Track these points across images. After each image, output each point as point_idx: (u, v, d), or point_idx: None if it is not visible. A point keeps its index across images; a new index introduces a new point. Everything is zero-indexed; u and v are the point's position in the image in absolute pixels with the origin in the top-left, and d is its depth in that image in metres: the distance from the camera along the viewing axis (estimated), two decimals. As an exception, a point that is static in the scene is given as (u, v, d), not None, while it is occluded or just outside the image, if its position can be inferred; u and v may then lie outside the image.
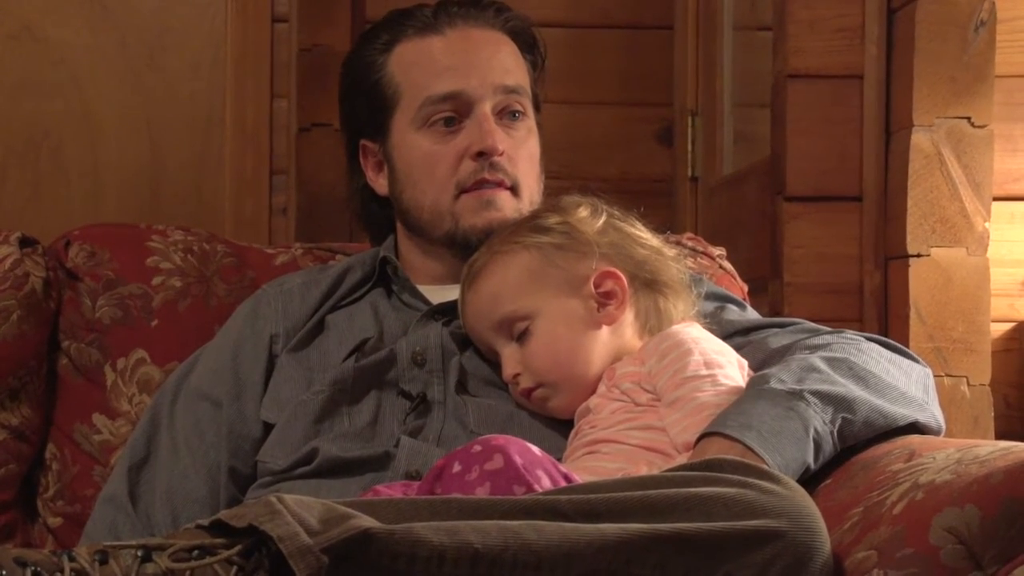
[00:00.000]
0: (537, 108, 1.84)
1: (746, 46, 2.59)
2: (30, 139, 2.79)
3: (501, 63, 1.77)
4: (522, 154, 1.76)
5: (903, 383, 1.56)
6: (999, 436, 1.99)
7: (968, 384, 1.98)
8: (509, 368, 1.63)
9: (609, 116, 2.77)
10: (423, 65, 1.77)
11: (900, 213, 2.01)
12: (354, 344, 1.71)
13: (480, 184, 1.73)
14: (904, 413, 1.52)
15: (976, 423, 1.97)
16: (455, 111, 1.74)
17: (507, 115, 1.75)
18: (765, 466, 1.35)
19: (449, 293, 1.74)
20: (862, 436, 1.49)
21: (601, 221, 1.65)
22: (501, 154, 1.72)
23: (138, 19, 2.80)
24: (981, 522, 1.21)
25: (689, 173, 2.70)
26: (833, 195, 2.09)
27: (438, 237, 1.76)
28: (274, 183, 2.76)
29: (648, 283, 1.65)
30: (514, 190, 1.74)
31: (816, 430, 1.45)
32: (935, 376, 1.77)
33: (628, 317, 1.63)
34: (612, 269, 1.63)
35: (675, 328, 1.58)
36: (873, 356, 1.57)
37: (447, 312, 1.72)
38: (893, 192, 2.06)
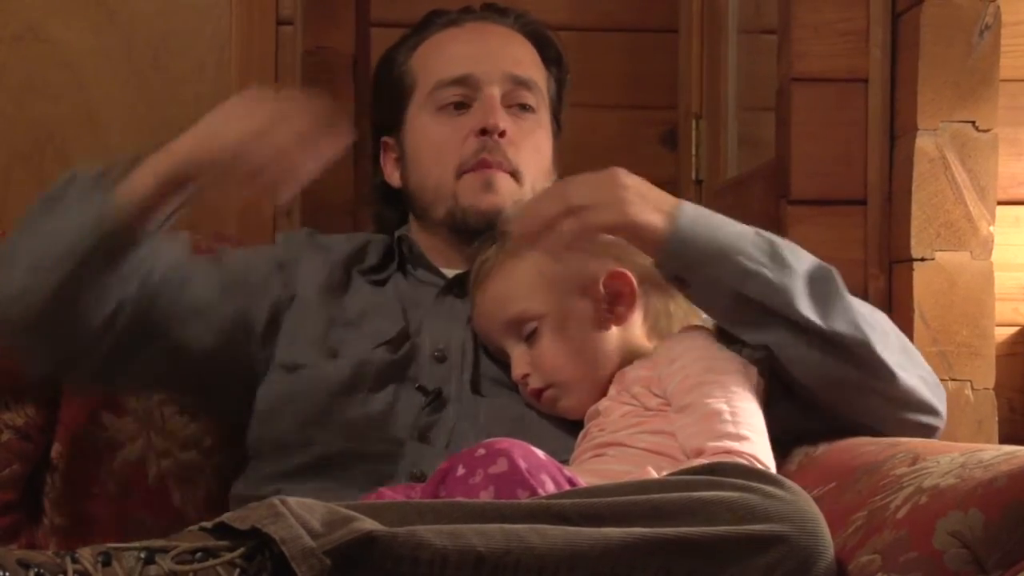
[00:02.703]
0: (557, 121, 1.85)
1: (751, 49, 2.59)
2: (35, 141, 2.79)
3: (513, 54, 1.81)
4: (527, 143, 1.78)
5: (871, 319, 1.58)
6: (1003, 440, 1.99)
7: (972, 388, 1.98)
8: (519, 368, 1.63)
9: (613, 119, 2.77)
10: (438, 53, 1.82)
11: (904, 217, 2.01)
12: (382, 326, 1.72)
13: (481, 164, 1.74)
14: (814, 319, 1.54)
15: (980, 427, 1.97)
16: (464, 96, 1.78)
17: (516, 106, 1.78)
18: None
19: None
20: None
21: None
22: (503, 134, 1.74)
23: (142, 21, 2.80)
24: (985, 526, 1.21)
25: (693, 176, 2.69)
26: (837, 199, 2.09)
27: (441, 218, 1.77)
28: (278, 185, 2.76)
29: (658, 285, 1.65)
30: (515, 176, 1.75)
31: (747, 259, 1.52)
32: (939, 380, 1.77)
33: (637, 318, 1.64)
34: (622, 271, 1.63)
35: (685, 333, 1.58)
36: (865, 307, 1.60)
37: (463, 285, 1.74)
38: (897, 196, 2.05)
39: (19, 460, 1.87)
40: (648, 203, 1.55)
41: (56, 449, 1.90)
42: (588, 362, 1.62)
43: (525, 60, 1.83)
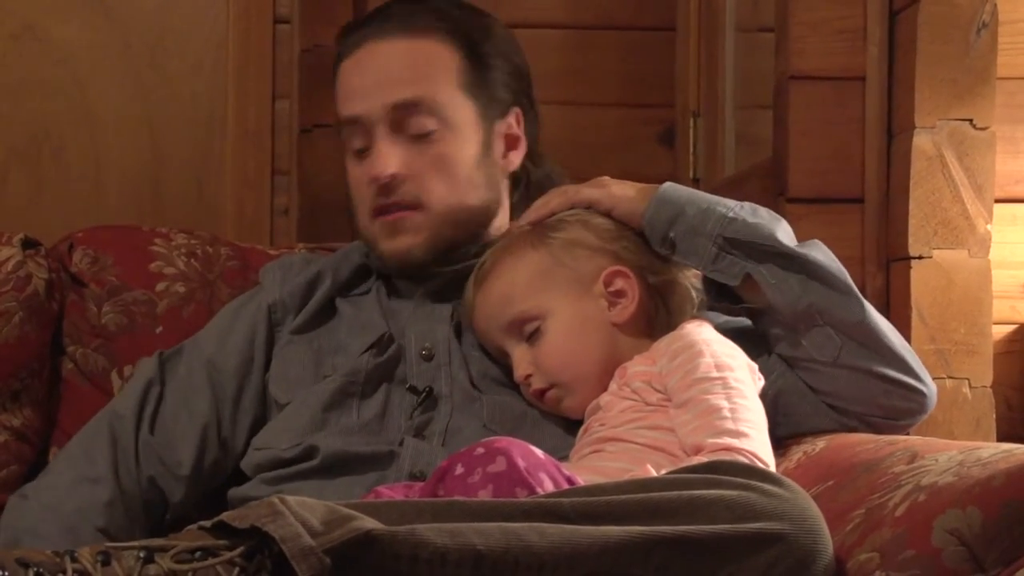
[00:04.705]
0: (498, 98, 1.77)
1: (748, 47, 2.59)
2: (32, 139, 2.79)
3: (395, 76, 1.73)
4: (427, 169, 1.72)
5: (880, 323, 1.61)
6: (1001, 438, 1.99)
7: (970, 386, 1.98)
8: (521, 369, 1.63)
9: (611, 117, 2.77)
10: (337, 91, 1.78)
11: (902, 215, 2.01)
12: (367, 337, 1.72)
13: (380, 211, 1.73)
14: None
15: (978, 425, 1.97)
16: (363, 141, 1.74)
17: (410, 134, 1.72)
18: (756, 466, 1.35)
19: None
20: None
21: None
22: (391, 177, 1.71)
23: (140, 19, 2.80)
24: (983, 524, 1.21)
25: (691, 174, 2.70)
26: (835, 197, 2.09)
27: (374, 259, 1.77)
28: (276, 184, 2.76)
29: (659, 281, 1.65)
30: (420, 207, 1.72)
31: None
32: (936, 378, 1.77)
33: (639, 315, 1.63)
34: (621, 267, 1.63)
35: (686, 329, 1.58)
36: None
37: (440, 292, 1.74)
38: (895, 194, 2.05)
39: (16, 461, 1.87)
40: (627, 185, 1.69)
41: (53, 451, 1.90)
42: (591, 361, 1.62)
43: (407, 76, 1.73)
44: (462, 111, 1.74)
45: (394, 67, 1.73)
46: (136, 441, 1.73)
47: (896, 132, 2.06)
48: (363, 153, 1.74)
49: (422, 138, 1.72)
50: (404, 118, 1.72)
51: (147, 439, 1.73)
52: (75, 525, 1.67)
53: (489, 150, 1.76)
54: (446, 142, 1.73)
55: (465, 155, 1.74)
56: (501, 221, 1.78)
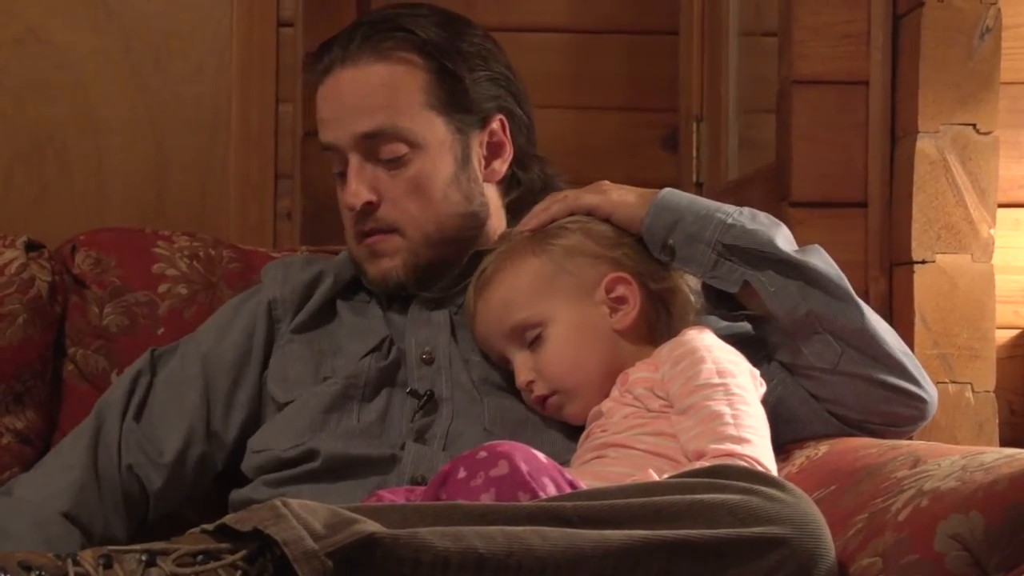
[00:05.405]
0: (473, 111, 1.75)
1: (751, 52, 2.59)
2: (35, 142, 2.79)
3: (362, 105, 1.71)
4: (403, 190, 1.72)
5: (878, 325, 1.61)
6: (1004, 443, 1.99)
7: (973, 391, 1.98)
8: (523, 375, 1.63)
9: (614, 121, 2.77)
10: (316, 114, 1.77)
11: (905, 219, 2.01)
12: (368, 340, 1.72)
13: (360, 236, 1.74)
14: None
15: (981, 430, 1.97)
16: (340, 162, 1.74)
17: (383, 161, 1.72)
18: (760, 472, 1.35)
19: None
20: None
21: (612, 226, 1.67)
22: (366, 205, 1.71)
23: (143, 22, 2.80)
24: (986, 529, 1.21)
25: (694, 179, 2.70)
26: (838, 201, 2.09)
27: (364, 280, 1.78)
28: (279, 187, 2.77)
29: (660, 288, 1.65)
30: (397, 231, 1.72)
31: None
32: (939, 383, 1.77)
33: (640, 322, 1.63)
34: (623, 274, 1.63)
35: (688, 335, 1.58)
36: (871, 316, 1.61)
37: (436, 300, 1.74)
38: (898, 198, 2.05)
39: (19, 463, 1.87)
40: (626, 190, 1.69)
41: (52, 452, 1.90)
42: (592, 367, 1.62)
43: (372, 105, 1.71)
44: (432, 131, 1.72)
45: (358, 96, 1.72)
46: (120, 428, 1.73)
47: (899, 136, 2.06)
48: (343, 177, 1.75)
49: (394, 162, 1.71)
50: (374, 145, 1.71)
51: (131, 426, 1.74)
52: (42, 515, 1.67)
53: (467, 164, 1.75)
54: (418, 164, 1.72)
55: (439, 174, 1.73)
56: (493, 228, 1.77)
